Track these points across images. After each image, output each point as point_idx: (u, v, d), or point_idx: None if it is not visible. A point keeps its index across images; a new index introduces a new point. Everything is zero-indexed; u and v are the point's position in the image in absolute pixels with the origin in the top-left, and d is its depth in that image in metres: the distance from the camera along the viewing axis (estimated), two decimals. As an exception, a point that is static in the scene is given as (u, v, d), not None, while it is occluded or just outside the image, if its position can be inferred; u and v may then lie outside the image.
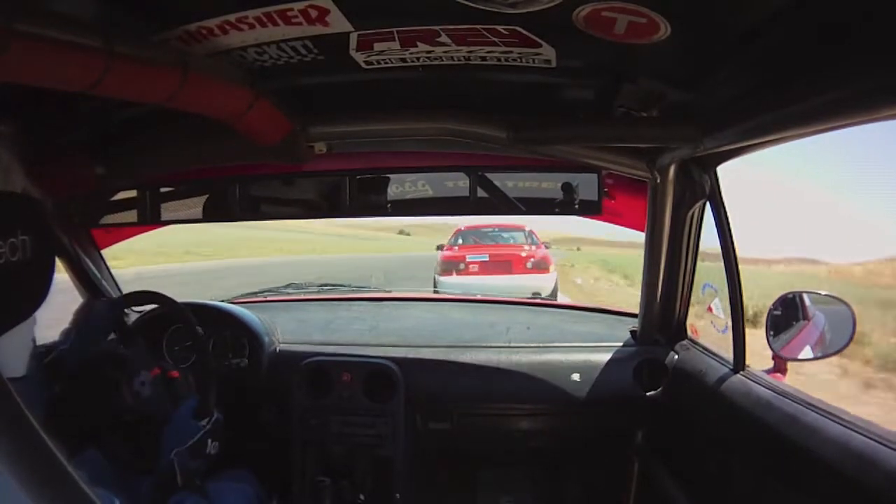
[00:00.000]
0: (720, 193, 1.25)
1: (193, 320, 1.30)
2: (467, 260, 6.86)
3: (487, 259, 6.83)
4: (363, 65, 0.96)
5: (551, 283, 6.70)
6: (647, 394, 1.50)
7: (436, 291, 5.70)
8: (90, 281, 1.64)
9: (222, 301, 1.85)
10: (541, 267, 6.81)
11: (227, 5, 0.78)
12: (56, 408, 1.13)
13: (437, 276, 6.95)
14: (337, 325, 1.86)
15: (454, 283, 6.38)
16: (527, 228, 7.62)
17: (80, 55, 0.71)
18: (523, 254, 6.94)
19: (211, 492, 1.15)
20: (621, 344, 1.59)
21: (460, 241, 7.49)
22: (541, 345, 1.62)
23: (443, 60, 0.94)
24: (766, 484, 1.03)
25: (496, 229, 7.56)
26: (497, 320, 1.93)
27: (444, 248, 7.47)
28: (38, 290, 0.49)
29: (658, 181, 1.31)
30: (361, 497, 1.48)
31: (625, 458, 1.62)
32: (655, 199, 1.36)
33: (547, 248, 7.54)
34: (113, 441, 1.17)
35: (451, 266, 6.88)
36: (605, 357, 1.55)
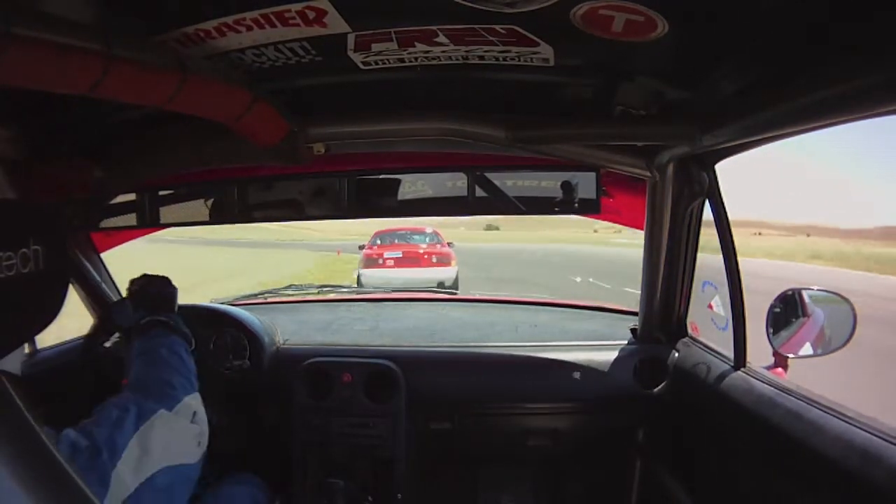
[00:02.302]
0: (719, 191, 1.25)
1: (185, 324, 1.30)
2: (384, 256, 8.42)
3: (401, 255, 8.41)
4: (361, 65, 0.96)
5: (453, 275, 8.33)
6: (648, 392, 1.50)
7: (359, 283, 7.82)
8: (90, 284, 1.64)
9: (222, 303, 1.85)
10: (443, 261, 8.45)
11: (224, 7, 0.78)
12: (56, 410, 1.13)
13: (360, 269, 8.46)
14: (337, 325, 1.86)
15: (374, 276, 7.99)
16: (429, 230, 9.47)
17: (79, 58, 0.71)
18: (425, 250, 8.68)
19: (216, 494, 1.15)
20: (622, 342, 1.59)
21: (378, 241, 9.05)
22: (541, 344, 1.62)
23: (441, 60, 0.94)
24: (769, 481, 1.03)
25: (407, 232, 9.28)
26: (498, 320, 1.93)
27: (366, 247, 8.99)
28: (52, 303, 0.48)
29: (657, 179, 1.31)
30: (370, 499, 1.48)
31: (626, 457, 1.62)
32: (654, 197, 1.36)
33: (450, 245, 9.20)
34: None
35: (371, 262, 8.44)
36: (606, 355, 1.55)
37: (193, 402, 0.96)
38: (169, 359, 1.01)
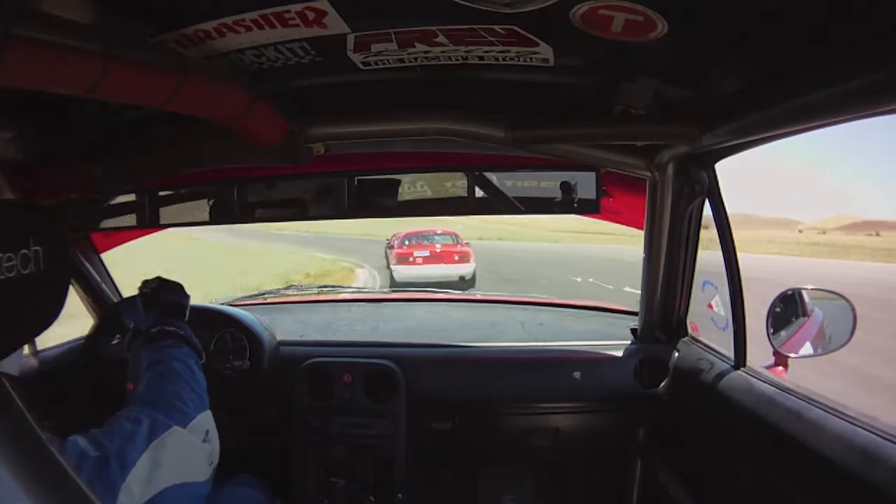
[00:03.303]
0: (719, 190, 1.25)
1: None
2: (415, 255, 10.05)
3: (429, 255, 10.07)
4: (361, 66, 0.96)
5: (471, 270, 10.05)
6: (649, 391, 1.50)
7: (391, 278, 9.93)
8: (90, 285, 1.64)
9: (222, 304, 1.85)
10: (464, 259, 10.13)
11: (224, 8, 0.77)
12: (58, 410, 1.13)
13: (392, 266, 10.16)
14: (337, 325, 1.86)
15: (406, 271, 9.75)
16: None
17: (78, 59, 0.71)
18: (449, 249, 10.27)
19: (216, 496, 1.14)
20: (622, 342, 1.59)
21: (407, 242, 10.60)
22: (541, 344, 1.63)
23: (440, 60, 0.94)
24: (770, 480, 1.03)
25: (431, 234, 10.86)
26: (498, 319, 1.93)
27: (395, 246, 10.57)
28: (52, 305, 0.47)
29: (657, 179, 1.31)
30: (372, 499, 1.48)
31: (626, 457, 1.62)
32: (654, 196, 1.36)
33: (468, 244, 10.83)
34: None
35: (403, 259, 10.05)
36: (606, 355, 1.55)
37: (206, 420, 0.95)
38: (181, 372, 0.99)
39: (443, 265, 9.88)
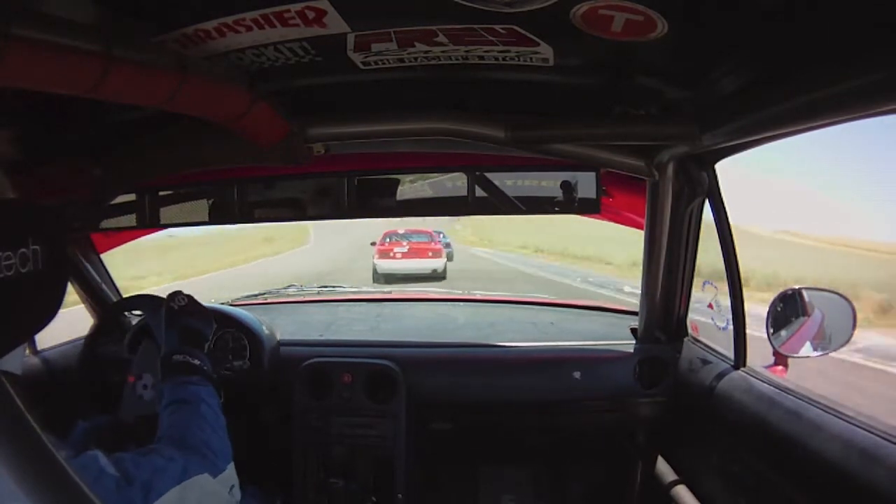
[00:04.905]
0: (719, 190, 1.25)
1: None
2: (394, 251, 11.56)
3: (406, 250, 11.56)
4: (361, 65, 0.97)
5: (442, 264, 11.55)
6: (649, 391, 1.50)
7: (375, 271, 11.40)
8: (90, 285, 1.64)
9: (222, 304, 1.85)
10: (436, 255, 11.63)
11: (224, 8, 0.78)
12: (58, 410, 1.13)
13: (375, 261, 11.57)
14: (337, 325, 1.86)
15: (387, 265, 11.26)
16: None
17: (79, 59, 0.71)
18: (423, 246, 11.74)
19: None
20: (622, 342, 1.59)
21: (388, 239, 12.03)
22: (541, 344, 1.63)
23: (440, 60, 0.94)
24: (769, 480, 1.03)
25: (409, 233, 12.28)
26: (498, 319, 1.93)
27: (378, 244, 11.96)
28: (50, 304, 0.47)
29: (657, 179, 1.31)
30: (374, 499, 1.48)
31: (627, 456, 1.62)
32: (654, 196, 1.36)
33: (440, 243, 12.36)
34: (115, 443, 1.17)
35: (385, 255, 11.53)
36: (607, 355, 1.55)
37: (232, 472, 0.95)
38: (207, 415, 0.98)
39: (417, 259, 11.39)
